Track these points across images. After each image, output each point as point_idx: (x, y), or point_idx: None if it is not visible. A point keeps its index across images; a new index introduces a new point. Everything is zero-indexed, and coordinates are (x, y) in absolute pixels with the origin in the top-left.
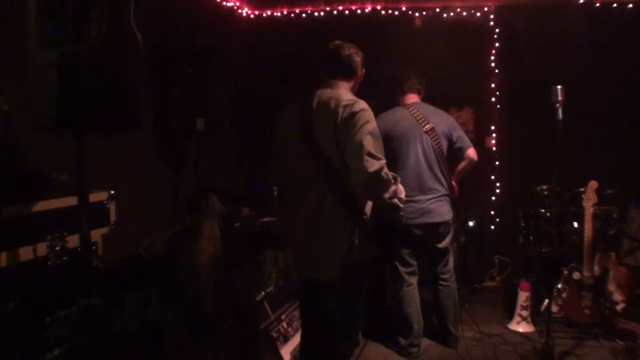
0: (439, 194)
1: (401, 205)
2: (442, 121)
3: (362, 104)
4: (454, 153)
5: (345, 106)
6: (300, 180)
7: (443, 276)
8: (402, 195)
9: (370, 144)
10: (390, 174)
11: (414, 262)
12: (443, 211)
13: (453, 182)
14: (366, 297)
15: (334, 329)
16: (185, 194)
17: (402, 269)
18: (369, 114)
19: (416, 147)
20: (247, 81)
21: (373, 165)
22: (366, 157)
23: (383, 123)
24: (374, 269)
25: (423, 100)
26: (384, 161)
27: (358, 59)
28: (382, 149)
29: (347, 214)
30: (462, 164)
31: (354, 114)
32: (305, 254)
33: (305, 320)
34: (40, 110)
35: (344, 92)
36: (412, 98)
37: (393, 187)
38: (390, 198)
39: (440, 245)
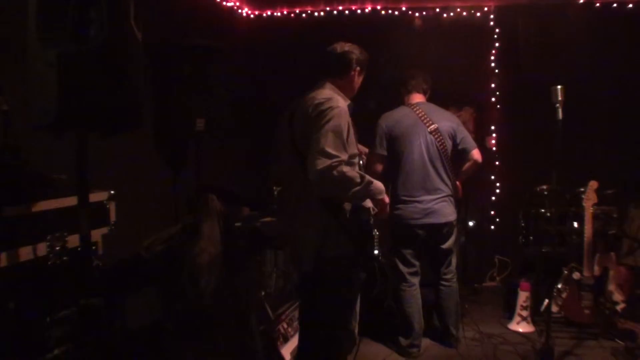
0: (443, 194)
1: (369, 206)
2: (447, 121)
3: (332, 102)
4: (457, 153)
5: (316, 105)
6: (288, 178)
7: (445, 276)
8: (381, 196)
9: (327, 141)
10: (356, 173)
11: (417, 262)
12: (447, 212)
13: (457, 183)
14: (356, 293)
15: (320, 321)
16: (185, 194)
17: (404, 269)
18: (337, 112)
19: (420, 147)
20: (247, 81)
21: (322, 163)
22: (317, 155)
23: (386, 122)
24: (365, 267)
25: (428, 100)
26: (337, 159)
27: (352, 56)
28: (344, 147)
29: (323, 210)
30: (466, 165)
31: (321, 112)
32: (292, 247)
33: (299, 313)
34: (40, 110)
35: (324, 91)
36: (417, 98)
37: (355, 188)
38: (355, 199)
39: (443, 246)
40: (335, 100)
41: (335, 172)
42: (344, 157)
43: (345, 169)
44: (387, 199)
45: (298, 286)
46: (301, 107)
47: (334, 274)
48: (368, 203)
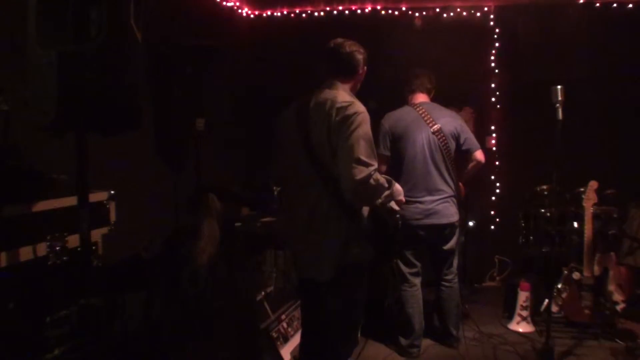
0: (445, 195)
1: (396, 208)
2: (450, 122)
3: (356, 107)
4: (460, 154)
5: (339, 108)
6: (298, 181)
7: (446, 277)
8: (400, 197)
9: (360, 149)
10: (384, 178)
11: (418, 263)
12: (449, 213)
13: (460, 184)
14: (364, 298)
15: (332, 328)
16: (185, 194)
17: (406, 270)
18: (363, 117)
19: (423, 147)
20: (247, 81)
21: (361, 173)
22: (354, 164)
23: (389, 122)
24: (373, 270)
25: (432, 100)
26: (373, 167)
27: (360, 56)
28: (375, 154)
29: (342, 216)
30: (470, 166)
31: (347, 117)
32: (302, 254)
33: (304, 319)
34: (40, 110)
35: (340, 93)
36: (421, 97)
37: (386, 192)
38: (384, 203)
39: (445, 247)
40: (359, 105)
41: (372, 181)
42: (376, 164)
43: (378, 175)
44: (404, 199)
45: (302, 290)
46: (317, 109)
47: (351, 280)
48: (394, 206)
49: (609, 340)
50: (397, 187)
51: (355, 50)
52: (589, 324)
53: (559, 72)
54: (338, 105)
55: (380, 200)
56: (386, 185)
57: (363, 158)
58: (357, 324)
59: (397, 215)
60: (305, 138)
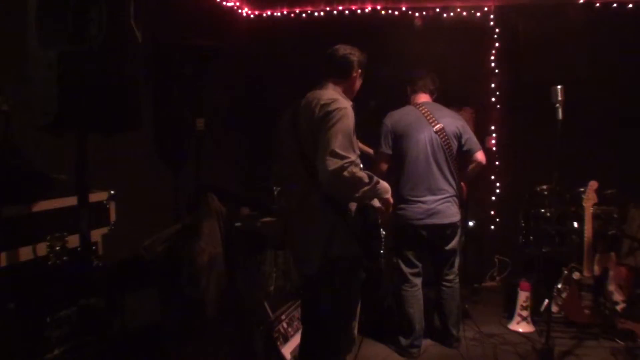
0: (447, 195)
1: (377, 205)
2: (452, 122)
3: (339, 103)
4: (462, 154)
5: (322, 105)
6: (291, 178)
7: (447, 277)
8: (387, 195)
9: (336, 142)
10: (364, 174)
11: (419, 263)
12: (451, 212)
13: (462, 183)
14: (358, 294)
15: (323, 321)
16: (185, 194)
17: (406, 270)
18: (344, 112)
19: (425, 147)
20: (247, 81)
21: (334, 164)
22: (328, 157)
23: (391, 120)
24: (368, 266)
25: (435, 101)
26: (348, 159)
27: (353, 58)
28: (353, 147)
29: (329, 211)
30: (471, 167)
31: (328, 113)
32: (294, 246)
33: (302, 313)
34: (40, 110)
35: (328, 92)
36: (423, 97)
37: (364, 188)
38: (364, 198)
39: (447, 247)
40: (341, 101)
41: (346, 173)
42: (354, 157)
43: (355, 169)
44: (391, 199)
45: (300, 285)
46: (305, 107)
47: (339, 274)
48: (376, 202)
49: (609, 340)
50: (384, 185)
51: (350, 53)
52: (589, 324)
53: (559, 72)
54: (322, 102)
55: (358, 195)
56: (366, 180)
57: (337, 150)
58: (350, 318)
59: (378, 214)
60: (295, 135)
